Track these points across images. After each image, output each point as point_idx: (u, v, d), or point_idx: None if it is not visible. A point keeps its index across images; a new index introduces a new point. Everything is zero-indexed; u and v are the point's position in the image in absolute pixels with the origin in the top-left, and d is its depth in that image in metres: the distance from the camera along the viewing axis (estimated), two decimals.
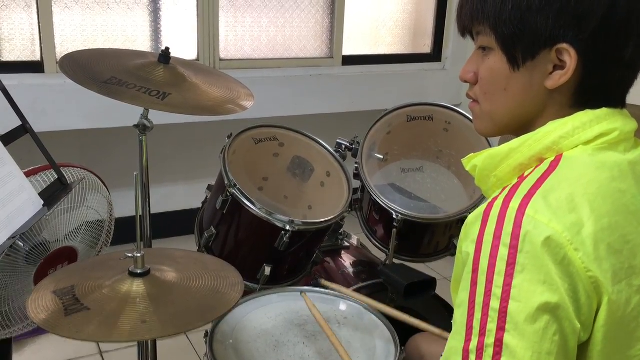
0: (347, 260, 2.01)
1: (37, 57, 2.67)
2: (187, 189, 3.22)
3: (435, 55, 3.54)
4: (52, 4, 2.62)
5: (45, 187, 1.33)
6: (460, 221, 1.80)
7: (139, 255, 1.16)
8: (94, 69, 1.38)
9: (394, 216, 1.76)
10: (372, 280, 1.80)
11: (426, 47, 3.55)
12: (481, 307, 0.76)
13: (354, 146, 1.92)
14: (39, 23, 2.62)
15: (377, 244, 1.97)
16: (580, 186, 0.79)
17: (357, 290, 1.71)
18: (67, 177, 1.44)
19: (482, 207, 0.81)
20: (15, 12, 2.58)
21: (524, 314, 0.73)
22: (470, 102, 0.95)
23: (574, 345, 0.76)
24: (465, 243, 0.81)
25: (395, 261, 1.86)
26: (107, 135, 2.89)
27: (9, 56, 2.62)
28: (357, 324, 1.46)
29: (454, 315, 0.81)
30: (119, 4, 2.75)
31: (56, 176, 1.38)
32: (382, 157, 1.93)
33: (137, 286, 1.14)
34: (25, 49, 2.65)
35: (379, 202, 1.80)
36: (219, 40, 2.96)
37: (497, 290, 0.75)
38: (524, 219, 0.76)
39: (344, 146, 1.92)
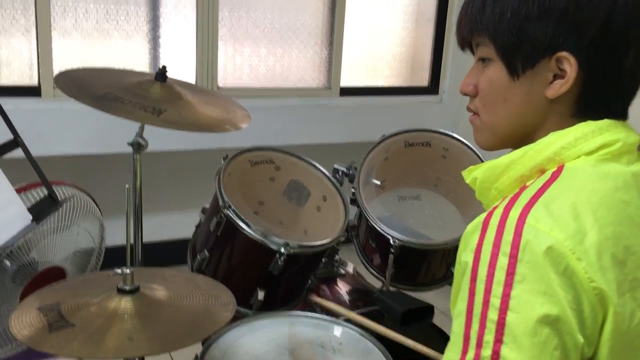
0: (342, 287, 1.96)
1: (35, 82, 2.67)
2: (182, 217, 3.18)
3: (433, 88, 3.56)
4: (52, 30, 2.63)
5: (35, 203, 1.30)
6: (457, 249, 1.77)
7: (127, 271, 1.12)
8: (90, 85, 1.37)
9: (391, 242, 1.73)
10: (368, 308, 1.76)
11: (423, 80, 3.57)
12: (479, 318, 0.73)
13: (351, 172, 1.90)
14: (37, 48, 2.62)
15: (373, 272, 1.94)
16: (583, 195, 0.77)
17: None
18: (58, 194, 1.42)
19: (482, 216, 0.78)
20: (14, 37, 2.59)
21: (523, 326, 0.70)
22: (471, 115, 0.94)
23: None
24: (465, 253, 0.79)
25: (392, 289, 1.82)
26: (103, 162, 2.87)
27: (6, 80, 2.62)
28: (353, 349, 1.42)
29: (452, 327, 0.78)
30: (118, 31, 2.76)
31: (47, 193, 1.36)
32: (379, 182, 1.91)
33: (125, 303, 1.11)
34: (22, 73, 2.65)
35: (376, 227, 1.77)
36: (217, 68, 2.97)
37: (495, 301, 0.72)
38: (525, 228, 0.73)
39: (341, 172, 1.91)
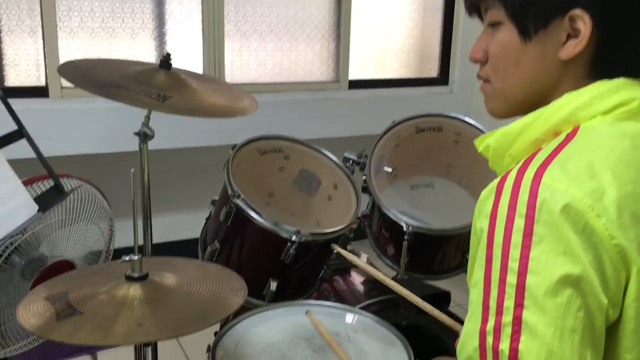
0: (356, 278, 1.93)
1: (42, 83, 2.66)
2: (193, 216, 3.16)
3: (442, 79, 3.52)
4: (58, 30, 2.62)
5: (41, 193, 1.29)
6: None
7: (136, 258, 1.10)
8: (94, 74, 1.35)
9: (405, 229, 1.69)
10: (382, 297, 1.73)
11: (433, 71, 3.54)
12: (497, 284, 0.70)
13: (361, 160, 1.87)
14: (44, 48, 2.62)
15: (388, 262, 1.90)
16: (601, 153, 0.74)
17: (367, 307, 1.64)
18: (65, 186, 1.40)
19: (496, 181, 0.76)
20: (20, 38, 2.59)
21: (544, 287, 0.67)
22: (481, 83, 0.90)
23: (601, 323, 0.69)
24: (479, 219, 0.76)
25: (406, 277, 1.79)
26: (112, 161, 2.85)
27: (14, 81, 2.62)
28: (368, 336, 1.39)
29: (469, 297, 0.74)
30: (124, 30, 2.75)
31: (53, 184, 1.34)
32: (391, 170, 1.88)
33: (134, 290, 1.09)
34: (30, 74, 2.65)
35: (389, 215, 1.74)
36: (225, 64, 2.95)
37: (513, 264, 0.69)
38: (540, 187, 0.70)
39: (351, 160, 1.87)
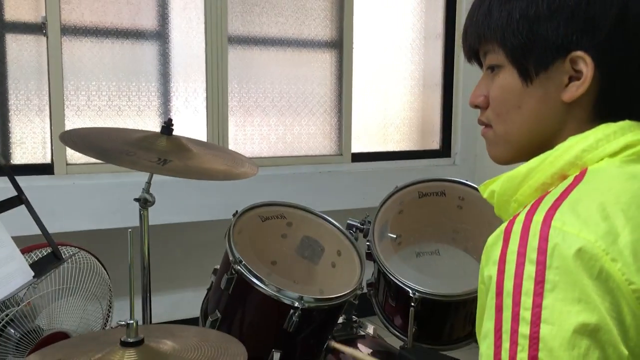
0: (363, 349, 1.86)
1: (48, 160, 2.69)
2: (197, 295, 3.11)
3: (445, 151, 3.54)
4: (65, 108, 2.67)
5: (38, 259, 1.26)
6: None
7: (131, 322, 1.06)
8: (96, 140, 1.36)
9: (411, 294, 1.65)
10: None
11: (435, 144, 3.56)
12: (509, 335, 0.66)
13: (365, 226, 1.85)
14: (50, 126, 2.66)
15: (395, 332, 1.84)
16: (611, 195, 0.71)
17: None
18: (63, 254, 1.38)
19: (503, 226, 0.73)
20: (28, 117, 2.64)
21: (559, 338, 0.63)
22: (483, 129, 0.89)
23: None
24: (487, 267, 0.72)
25: None
26: (116, 238, 2.83)
27: (20, 159, 2.64)
28: None
29: (479, 350, 0.70)
30: (130, 107, 2.81)
31: (51, 251, 1.31)
32: (395, 236, 1.85)
33: (128, 356, 1.04)
34: (36, 152, 2.68)
35: (395, 280, 1.70)
36: (229, 139, 2.99)
37: (525, 314, 0.65)
38: (551, 231, 0.67)
39: (355, 227, 1.85)
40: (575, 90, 0.78)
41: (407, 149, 3.50)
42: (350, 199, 3.15)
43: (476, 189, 1.86)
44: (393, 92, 3.45)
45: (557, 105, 0.80)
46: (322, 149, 3.26)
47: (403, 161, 3.43)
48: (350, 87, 3.25)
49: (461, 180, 1.87)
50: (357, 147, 3.33)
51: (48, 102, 2.66)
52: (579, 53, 0.77)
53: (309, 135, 3.22)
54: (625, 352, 0.64)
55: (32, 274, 1.19)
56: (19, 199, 1.27)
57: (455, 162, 3.55)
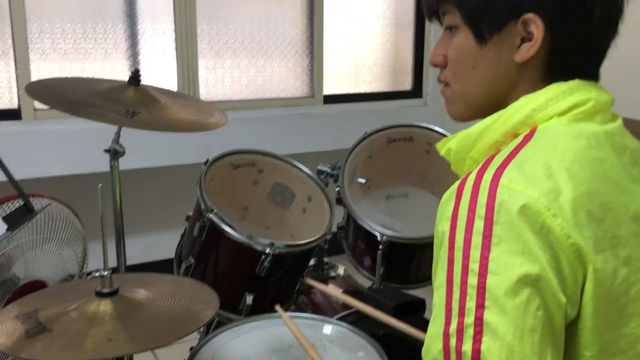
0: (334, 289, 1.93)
1: (15, 105, 2.65)
2: (170, 237, 3.14)
3: (416, 91, 3.56)
4: (29, 52, 2.61)
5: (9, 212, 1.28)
6: None
7: (105, 274, 1.10)
8: (63, 92, 1.35)
9: (379, 238, 1.71)
10: None
11: (406, 84, 3.58)
12: (459, 286, 0.71)
13: (335, 172, 1.88)
14: (16, 71, 2.61)
15: (364, 273, 1.91)
16: (557, 154, 0.75)
17: (344, 317, 1.64)
18: (35, 205, 1.39)
19: (456, 184, 0.77)
20: None
21: (504, 287, 0.68)
22: (442, 87, 0.92)
23: (560, 321, 0.70)
24: (441, 222, 0.77)
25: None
26: (86, 183, 2.83)
27: None
28: (344, 346, 1.39)
29: (433, 300, 0.75)
30: (96, 50, 2.76)
31: (22, 204, 1.33)
32: (364, 181, 1.90)
33: (104, 306, 1.08)
34: (2, 96, 2.63)
35: (363, 225, 1.75)
36: (199, 82, 2.96)
37: (474, 266, 0.70)
38: (498, 189, 0.72)
39: (325, 173, 1.89)
40: (527, 51, 0.81)
41: (379, 90, 3.51)
42: (322, 141, 3.18)
43: (443, 134, 1.90)
44: (365, 32, 3.42)
45: (509, 65, 0.83)
46: (293, 91, 3.25)
47: (375, 102, 3.44)
48: (321, 27, 3.21)
49: (429, 126, 1.91)
50: (329, 88, 3.32)
51: (12, 46, 2.60)
52: (531, 15, 0.79)
53: (281, 77, 3.21)
54: (564, 299, 0.70)
55: (6, 227, 1.20)
56: None
57: (427, 102, 3.58)
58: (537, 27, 0.79)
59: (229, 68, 3.06)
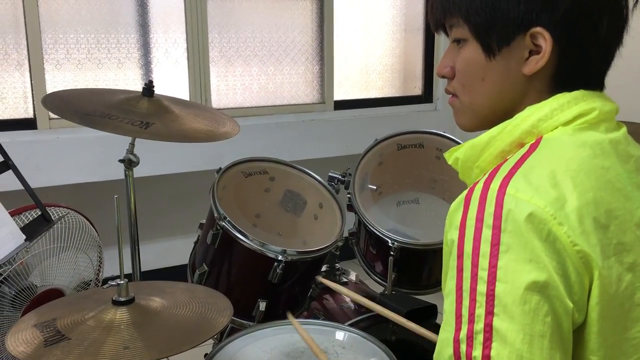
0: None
1: (30, 115, 2.69)
2: (184, 243, 3.17)
3: (426, 96, 3.57)
4: (44, 62, 2.66)
5: (28, 222, 1.31)
6: None
7: (122, 282, 1.12)
8: (78, 104, 1.38)
9: (390, 244, 1.72)
10: (371, 313, 1.74)
11: (417, 90, 3.59)
12: (469, 293, 0.72)
13: (346, 179, 1.90)
14: (31, 81, 2.65)
15: (376, 278, 1.92)
16: (562, 163, 0.77)
17: (356, 323, 1.66)
18: (52, 215, 1.42)
19: (464, 193, 0.78)
20: (7, 72, 2.62)
21: (512, 294, 0.70)
22: (450, 98, 0.94)
23: (568, 326, 0.72)
24: (450, 231, 0.78)
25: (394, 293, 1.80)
26: (101, 191, 2.87)
27: (2, 114, 2.64)
28: (356, 352, 1.40)
29: (444, 307, 0.77)
30: (110, 60, 2.79)
31: (40, 214, 1.36)
32: (375, 187, 1.91)
33: (121, 315, 1.10)
34: (17, 106, 2.68)
35: (375, 231, 1.76)
36: (211, 90, 2.99)
37: (483, 273, 0.72)
38: (505, 198, 0.73)
39: (336, 179, 1.90)
40: (535, 64, 0.82)
41: (390, 95, 3.52)
42: (333, 147, 3.19)
43: (453, 140, 1.91)
44: (375, 37, 3.44)
45: (518, 77, 0.84)
46: (304, 98, 3.27)
47: (385, 108, 3.46)
48: (331, 34, 3.24)
49: (439, 132, 1.92)
50: (339, 94, 3.34)
51: (27, 56, 2.64)
52: (539, 29, 0.81)
53: (291, 84, 3.23)
54: (571, 305, 0.71)
55: (24, 237, 1.23)
56: (6, 165, 1.30)
57: (437, 107, 3.59)
58: (545, 41, 0.81)
59: (240, 75, 3.09)
